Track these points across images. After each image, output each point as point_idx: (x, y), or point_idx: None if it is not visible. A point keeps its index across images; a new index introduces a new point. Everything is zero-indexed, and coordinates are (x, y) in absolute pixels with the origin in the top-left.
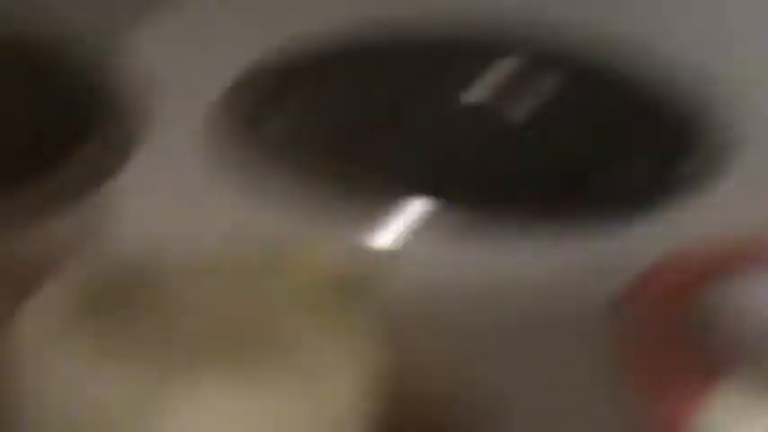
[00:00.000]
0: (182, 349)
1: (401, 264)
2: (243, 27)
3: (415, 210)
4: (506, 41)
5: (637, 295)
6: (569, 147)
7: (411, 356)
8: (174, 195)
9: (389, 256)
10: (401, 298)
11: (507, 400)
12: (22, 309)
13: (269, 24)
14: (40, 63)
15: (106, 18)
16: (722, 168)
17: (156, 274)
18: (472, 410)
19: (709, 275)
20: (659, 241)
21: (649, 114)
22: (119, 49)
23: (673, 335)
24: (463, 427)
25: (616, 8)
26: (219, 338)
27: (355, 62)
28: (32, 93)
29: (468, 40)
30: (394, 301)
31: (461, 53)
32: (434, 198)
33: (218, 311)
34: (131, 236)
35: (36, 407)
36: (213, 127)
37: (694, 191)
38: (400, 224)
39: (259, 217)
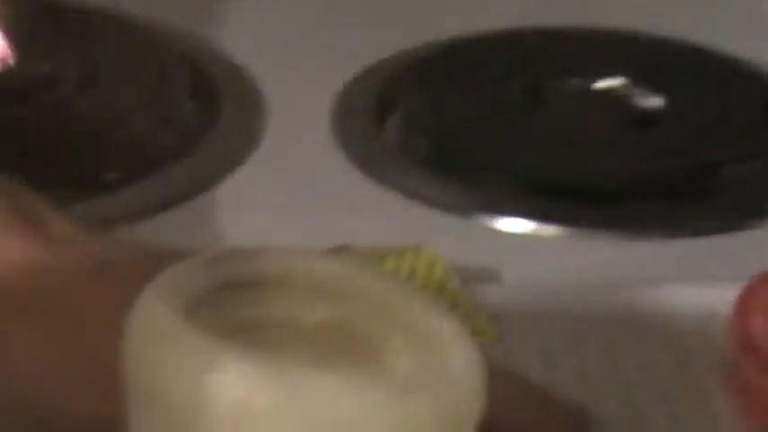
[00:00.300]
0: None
1: (521, 256)
2: (368, 23)
3: (533, 205)
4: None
5: (747, 303)
6: (696, 141)
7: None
8: (294, 194)
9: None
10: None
11: (605, 403)
12: (139, 298)
13: (393, 19)
14: (160, 60)
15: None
16: None
17: (270, 266)
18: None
19: None
20: None
21: None
22: (240, 45)
23: None
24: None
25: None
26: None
27: (481, 54)
28: (156, 84)
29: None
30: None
31: (593, 42)
32: (556, 191)
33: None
34: (249, 232)
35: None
36: (333, 126)
37: None
38: (521, 218)
39: (380, 214)
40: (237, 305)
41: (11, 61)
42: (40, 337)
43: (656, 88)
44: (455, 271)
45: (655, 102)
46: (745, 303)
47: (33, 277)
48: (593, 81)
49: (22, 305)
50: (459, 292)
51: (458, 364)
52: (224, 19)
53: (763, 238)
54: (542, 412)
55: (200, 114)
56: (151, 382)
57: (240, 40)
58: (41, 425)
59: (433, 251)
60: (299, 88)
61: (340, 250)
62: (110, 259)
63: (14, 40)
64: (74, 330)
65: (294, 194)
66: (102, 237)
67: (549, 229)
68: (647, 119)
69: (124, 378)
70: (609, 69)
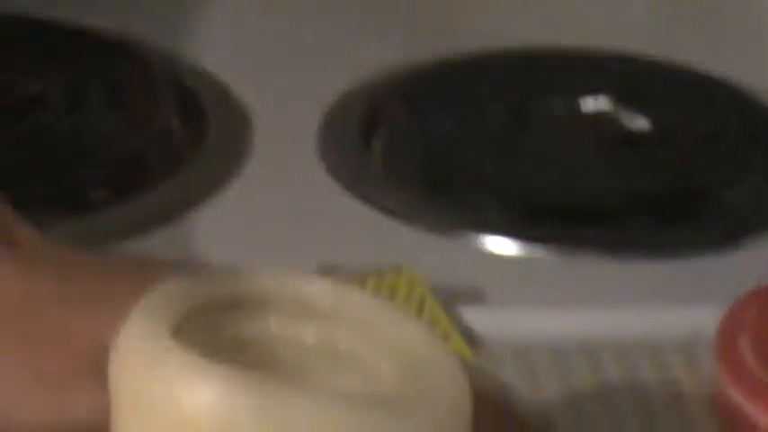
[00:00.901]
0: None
1: (507, 276)
2: (354, 42)
3: (519, 225)
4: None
5: (732, 324)
6: (684, 161)
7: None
8: (279, 213)
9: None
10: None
11: (591, 424)
12: (128, 314)
13: (379, 39)
14: (147, 78)
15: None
16: None
17: (257, 286)
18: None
19: None
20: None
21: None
22: (227, 63)
23: None
24: None
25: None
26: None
27: (467, 74)
28: (144, 103)
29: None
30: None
31: (579, 63)
32: (542, 212)
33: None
34: (235, 250)
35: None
36: (319, 146)
37: None
38: (507, 238)
39: (365, 234)
40: (223, 324)
41: None
42: (3, 348)
43: (642, 109)
44: (435, 291)
45: (641, 123)
46: (730, 324)
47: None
48: (579, 102)
49: None
50: (437, 313)
51: (444, 383)
52: (211, 38)
53: (749, 259)
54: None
55: (186, 133)
56: (137, 400)
57: (227, 60)
58: None
59: (414, 272)
60: (285, 107)
61: (327, 272)
62: (80, 271)
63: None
64: (36, 343)
65: (279, 213)
66: (76, 253)
67: (535, 250)
68: (634, 140)
69: (111, 393)
70: (595, 90)
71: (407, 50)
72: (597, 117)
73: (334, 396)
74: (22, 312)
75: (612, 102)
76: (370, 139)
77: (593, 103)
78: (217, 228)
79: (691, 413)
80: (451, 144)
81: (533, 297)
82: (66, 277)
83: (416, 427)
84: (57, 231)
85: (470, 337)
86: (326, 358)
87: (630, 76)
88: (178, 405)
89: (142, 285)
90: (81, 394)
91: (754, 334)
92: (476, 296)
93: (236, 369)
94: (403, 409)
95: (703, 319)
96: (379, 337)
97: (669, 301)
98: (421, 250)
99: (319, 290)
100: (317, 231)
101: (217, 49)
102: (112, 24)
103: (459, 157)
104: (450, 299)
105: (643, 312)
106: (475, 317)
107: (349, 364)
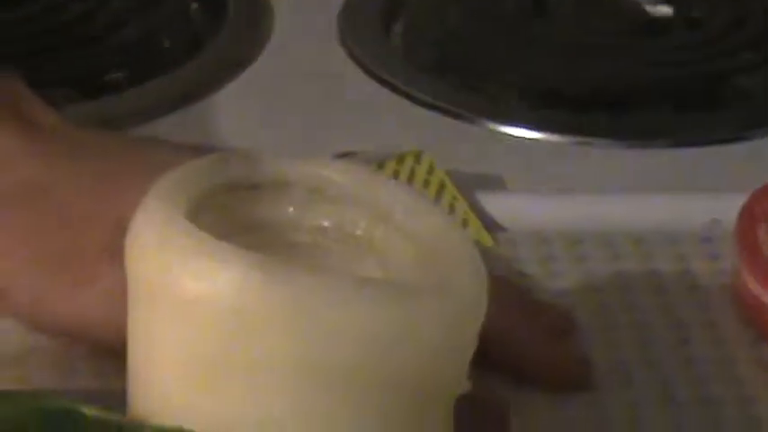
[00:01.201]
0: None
1: (525, 163)
2: None
3: (539, 112)
4: None
5: (752, 212)
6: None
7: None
8: (299, 96)
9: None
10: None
11: (608, 310)
12: (147, 193)
13: None
14: None
15: None
16: None
17: (274, 169)
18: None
19: None
20: None
21: None
22: None
23: None
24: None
25: None
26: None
27: None
28: None
29: None
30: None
31: None
32: (562, 98)
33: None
34: (253, 134)
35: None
36: (340, 30)
37: None
38: (526, 125)
39: (385, 119)
40: (239, 208)
41: None
42: (18, 227)
43: None
44: (453, 177)
45: (664, 10)
46: (749, 213)
47: (15, 165)
48: None
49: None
50: (455, 199)
51: (462, 270)
52: None
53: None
54: (528, 317)
55: (206, 15)
56: (154, 281)
57: None
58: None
59: (432, 157)
60: None
61: (344, 156)
62: (97, 150)
63: None
64: (50, 222)
65: (299, 97)
66: (94, 133)
67: (554, 136)
68: (657, 27)
69: (127, 277)
70: None
71: None
72: (620, 3)
73: (349, 280)
74: (38, 192)
75: None
76: (391, 24)
77: None
78: (235, 112)
79: (708, 302)
80: (471, 30)
81: (551, 184)
82: (85, 157)
83: (432, 313)
84: (73, 114)
85: (488, 224)
86: (343, 243)
87: None
88: (192, 286)
89: (159, 167)
90: (100, 278)
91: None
92: (494, 182)
93: (251, 252)
94: (419, 295)
95: (723, 208)
96: (398, 223)
97: (688, 189)
98: (440, 136)
99: (337, 174)
100: (337, 116)
101: None
102: None
103: (478, 43)
104: (469, 185)
105: (661, 200)
106: (493, 203)
107: (366, 249)
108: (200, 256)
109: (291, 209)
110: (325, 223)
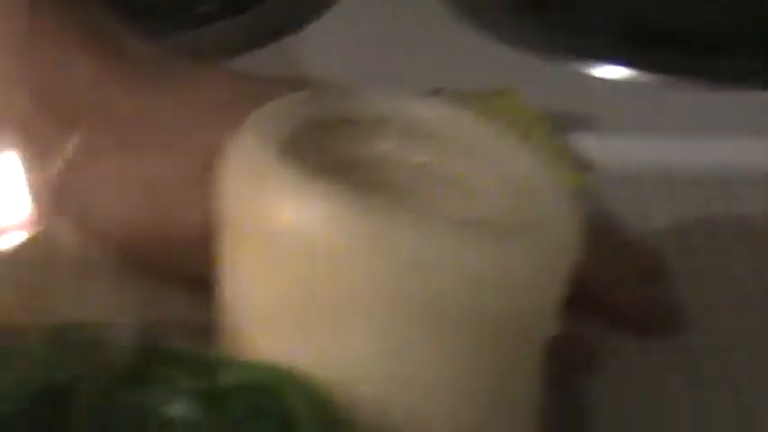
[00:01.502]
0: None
1: (617, 103)
2: None
3: (631, 52)
4: None
5: None
6: None
7: None
8: (387, 35)
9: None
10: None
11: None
12: (241, 125)
13: None
14: None
15: None
16: None
17: (368, 106)
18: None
19: None
20: None
21: None
22: None
23: None
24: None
25: None
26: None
27: None
28: None
29: None
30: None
31: None
32: (654, 39)
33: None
34: (341, 71)
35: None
36: None
37: None
38: (618, 65)
39: (474, 58)
40: (333, 144)
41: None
42: (103, 150)
43: None
44: (544, 116)
45: None
46: None
47: (99, 89)
48: None
49: (82, 119)
50: (545, 138)
51: (554, 210)
52: None
53: None
54: (620, 259)
55: None
56: (243, 214)
57: None
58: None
59: (521, 96)
60: None
61: (433, 93)
62: (187, 82)
63: None
64: (132, 149)
65: (387, 36)
66: (186, 64)
67: (645, 76)
68: None
69: (217, 209)
70: None
71: None
72: None
73: (440, 220)
74: (130, 122)
75: None
76: None
77: None
78: (323, 49)
79: None
80: None
81: (642, 124)
82: (177, 88)
83: (523, 253)
84: (166, 45)
85: (578, 164)
86: (436, 181)
87: None
88: (282, 221)
89: (254, 100)
90: (189, 205)
91: None
92: (584, 122)
93: (343, 188)
94: (510, 235)
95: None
96: (490, 162)
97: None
98: (530, 75)
99: (431, 112)
100: (426, 55)
101: None
102: None
103: None
104: (559, 125)
105: (753, 142)
106: (583, 143)
107: (458, 187)
108: (290, 191)
109: (385, 146)
110: (418, 161)
